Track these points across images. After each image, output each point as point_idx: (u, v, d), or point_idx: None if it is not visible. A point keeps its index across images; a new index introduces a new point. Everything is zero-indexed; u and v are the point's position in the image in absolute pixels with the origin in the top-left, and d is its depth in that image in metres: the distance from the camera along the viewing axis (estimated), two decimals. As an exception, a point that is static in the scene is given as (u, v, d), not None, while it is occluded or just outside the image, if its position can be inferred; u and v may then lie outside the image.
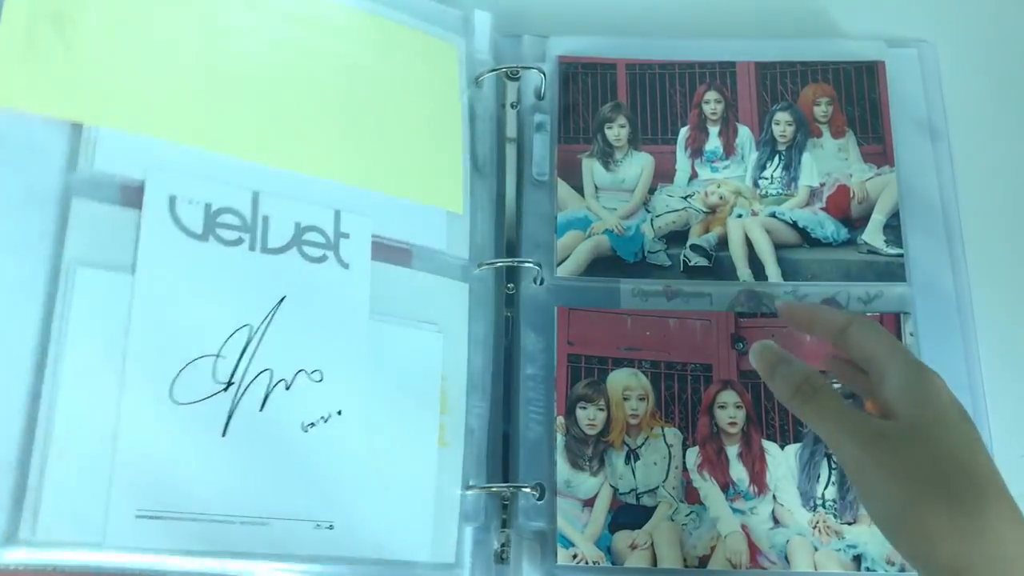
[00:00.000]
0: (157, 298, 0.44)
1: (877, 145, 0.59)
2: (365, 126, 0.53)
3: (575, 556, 0.51)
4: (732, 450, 0.53)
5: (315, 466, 0.46)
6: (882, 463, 0.40)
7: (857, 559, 0.51)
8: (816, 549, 0.51)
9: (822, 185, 0.58)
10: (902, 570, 0.50)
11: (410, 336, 0.51)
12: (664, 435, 0.53)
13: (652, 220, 0.57)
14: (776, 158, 0.59)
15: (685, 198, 0.58)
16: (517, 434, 0.53)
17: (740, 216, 0.58)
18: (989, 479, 0.39)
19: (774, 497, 0.52)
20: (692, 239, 0.57)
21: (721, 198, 0.58)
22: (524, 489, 0.52)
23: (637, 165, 0.59)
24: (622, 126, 0.60)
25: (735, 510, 0.52)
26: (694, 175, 0.59)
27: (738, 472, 0.52)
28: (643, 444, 0.53)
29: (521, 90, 0.60)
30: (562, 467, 0.52)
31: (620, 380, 0.54)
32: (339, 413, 0.47)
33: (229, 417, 0.45)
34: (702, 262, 0.57)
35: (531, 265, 0.56)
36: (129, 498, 0.41)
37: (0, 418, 0.40)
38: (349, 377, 0.48)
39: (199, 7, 0.50)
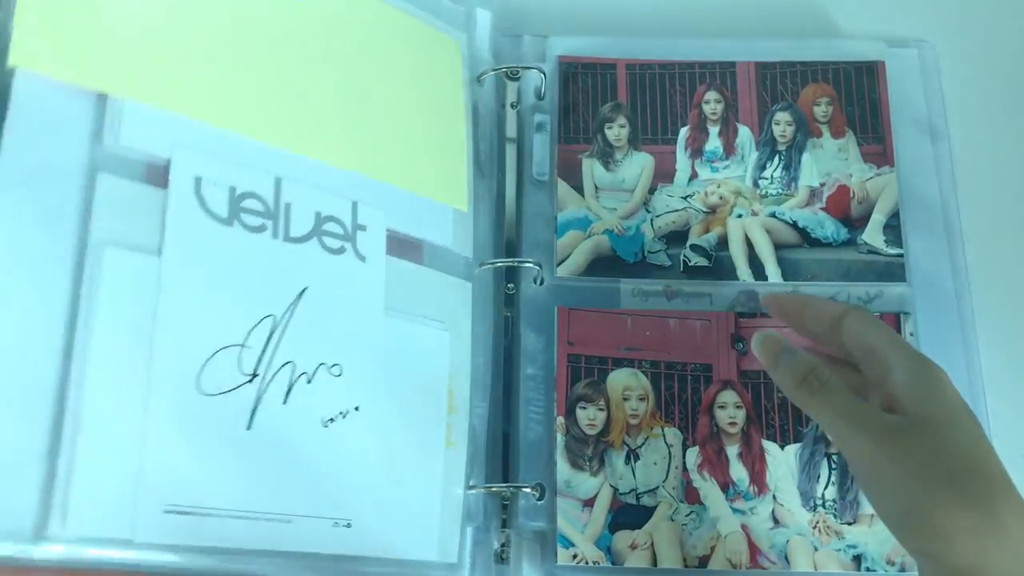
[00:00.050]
0: (184, 283, 0.42)
1: (877, 145, 0.59)
2: (378, 115, 0.52)
3: (575, 556, 0.51)
4: (732, 450, 0.53)
5: (334, 462, 0.46)
6: (893, 459, 0.39)
7: (857, 559, 0.51)
8: (816, 549, 0.51)
9: (822, 185, 0.58)
10: (902, 570, 0.50)
11: (421, 333, 0.50)
12: (664, 435, 0.53)
13: (652, 220, 0.57)
14: (776, 158, 0.59)
15: (685, 198, 0.58)
16: (517, 434, 0.53)
17: (740, 216, 0.58)
18: (1000, 476, 0.39)
19: (774, 497, 0.52)
20: (692, 239, 0.57)
21: (721, 198, 0.58)
22: (524, 489, 0.52)
23: (637, 165, 0.59)
24: (622, 126, 0.60)
25: (735, 510, 0.52)
26: (694, 175, 0.59)
27: (738, 472, 0.52)
28: (643, 444, 0.53)
29: (521, 90, 0.60)
30: (562, 467, 0.52)
31: (620, 380, 0.54)
32: (356, 409, 0.47)
33: (254, 410, 0.43)
34: (702, 262, 0.57)
35: (531, 265, 0.56)
36: (157, 493, 0.40)
37: (28, 406, 0.38)
38: (366, 372, 0.47)
39: None
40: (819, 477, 0.52)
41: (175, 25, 0.46)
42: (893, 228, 0.57)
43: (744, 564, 0.51)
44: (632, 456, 0.53)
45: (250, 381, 0.43)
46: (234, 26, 0.48)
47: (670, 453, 0.53)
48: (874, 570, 0.50)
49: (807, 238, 0.57)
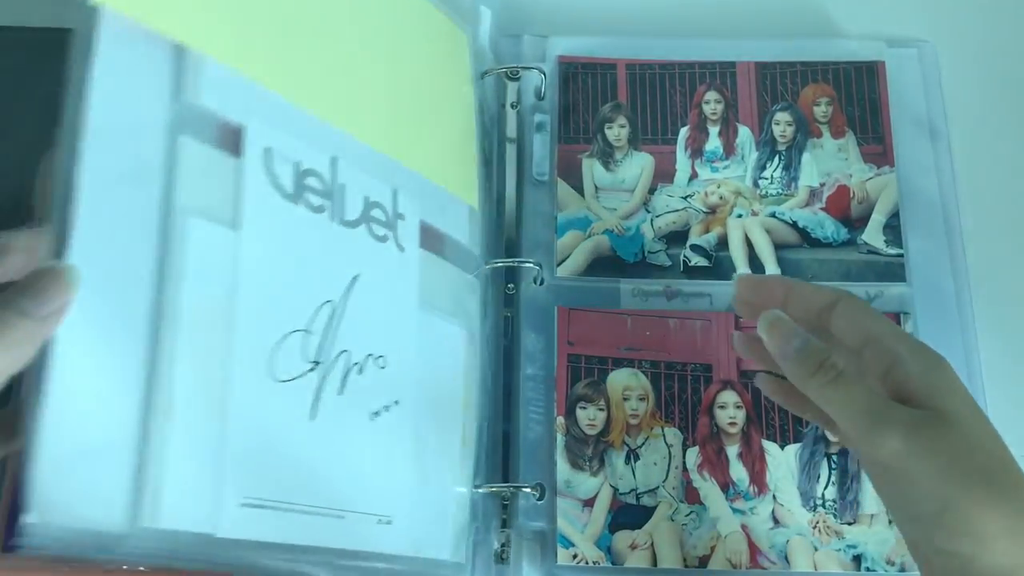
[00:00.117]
0: (261, 261, 0.39)
1: (877, 145, 0.59)
2: (408, 101, 0.51)
3: (575, 556, 0.51)
4: (732, 450, 0.53)
5: (379, 456, 0.44)
6: (922, 455, 0.37)
7: (857, 559, 0.51)
8: (816, 549, 0.51)
9: (822, 185, 0.58)
10: (902, 570, 0.50)
11: (445, 330, 0.50)
12: (664, 435, 0.53)
13: (652, 220, 0.57)
14: (776, 158, 0.59)
15: (685, 198, 0.58)
16: (517, 434, 0.53)
17: (740, 216, 0.58)
18: (1020, 473, 0.37)
19: (774, 497, 0.52)
20: (692, 239, 0.57)
21: (721, 198, 0.58)
22: (524, 489, 0.52)
23: (637, 165, 0.59)
24: (622, 126, 0.60)
25: (735, 510, 0.52)
26: (694, 175, 0.59)
27: (738, 472, 0.52)
28: (643, 444, 0.53)
29: (521, 90, 0.60)
30: (562, 467, 0.52)
31: (620, 380, 0.54)
32: (396, 403, 0.45)
33: (316, 399, 0.41)
34: (702, 262, 0.57)
35: (531, 265, 0.56)
36: (237, 485, 0.37)
37: (119, 387, 0.34)
38: (404, 367, 0.46)
39: None
40: (819, 477, 0.52)
41: None
42: (893, 228, 0.57)
43: (744, 564, 0.51)
44: (632, 456, 0.53)
45: (313, 369, 0.41)
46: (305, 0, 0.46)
47: (670, 453, 0.53)
48: (874, 570, 0.50)
49: (807, 238, 0.57)
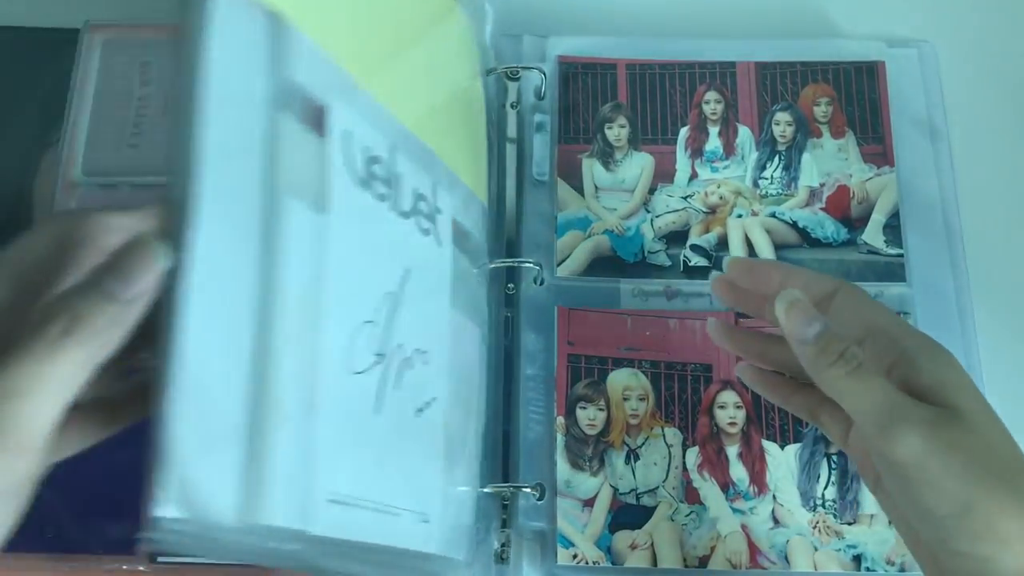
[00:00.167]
0: (342, 246, 0.37)
1: (877, 145, 0.59)
2: (441, 93, 0.49)
3: (575, 556, 0.51)
4: (732, 450, 0.53)
5: (420, 453, 0.44)
6: (940, 455, 0.35)
7: (857, 559, 0.51)
8: (816, 549, 0.51)
9: (822, 185, 0.58)
10: (902, 570, 0.50)
11: (468, 326, 0.49)
12: (664, 435, 0.53)
13: (652, 220, 0.57)
14: (776, 158, 0.59)
15: (685, 198, 0.58)
16: (517, 434, 0.53)
17: (740, 216, 0.58)
18: None
19: (774, 497, 0.52)
20: (692, 239, 0.57)
21: (721, 198, 0.58)
22: (524, 489, 0.52)
23: (637, 165, 0.59)
24: (622, 126, 0.60)
25: (735, 510, 0.52)
26: (694, 175, 0.59)
27: (738, 472, 0.52)
28: (643, 444, 0.53)
29: (521, 90, 0.60)
30: (562, 467, 0.52)
31: (620, 380, 0.54)
32: (435, 399, 0.45)
33: (379, 392, 0.40)
34: (702, 262, 0.57)
35: (531, 265, 0.56)
36: (324, 481, 0.36)
37: (233, 376, 0.32)
38: (441, 363, 0.46)
39: None
40: (819, 477, 0.52)
41: None
42: (893, 228, 0.57)
43: (744, 564, 0.51)
44: (632, 456, 0.53)
45: (379, 362, 0.40)
46: None
47: (670, 453, 0.53)
48: (874, 570, 0.50)
49: (807, 238, 0.57)
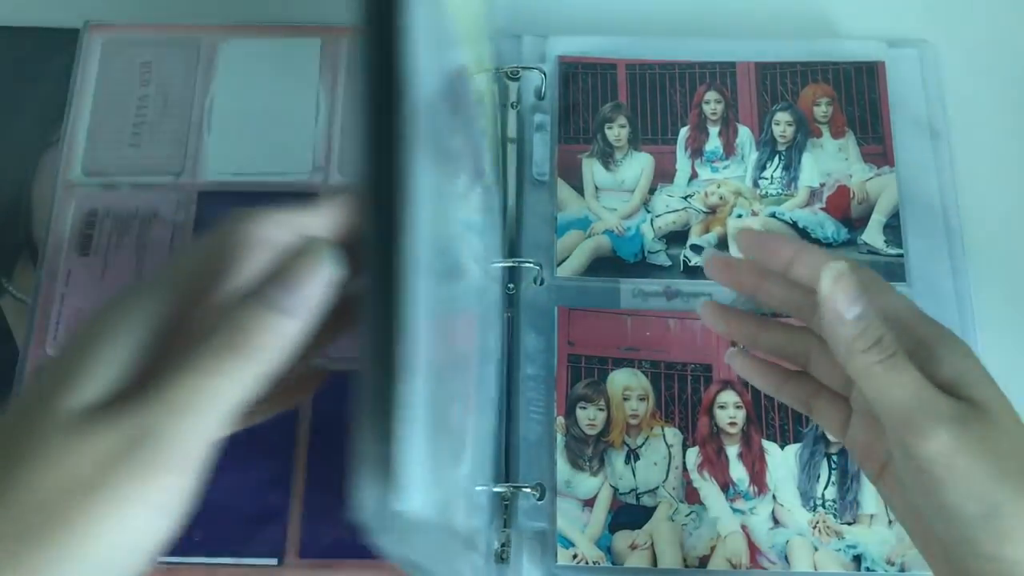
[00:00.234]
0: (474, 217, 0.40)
1: (877, 145, 0.59)
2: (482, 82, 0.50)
3: (575, 556, 0.51)
4: (732, 450, 0.53)
5: (481, 442, 0.44)
6: (969, 453, 0.34)
7: (857, 559, 0.51)
8: (816, 549, 0.51)
9: (822, 185, 0.58)
10: (902, 570, 0.50)
11: (497, 322, 0.50)
12: (664, 435, 0.53)
13: (652, 220, 0.57)
14: (776, 158, 0.59)
15: (685, 198, 0.58)
16: (517, 434, 0.53)
17: (740, 216, 0.58)
18: None
19: (774, 497, 0.52)
20: (692, 239, 0.57)
21: (721, 198, 0.58)
22: (524, 489, 0.52)
23: (637, 165, 0.59)
24: (622, 126, 0.60)
25: (735, 510, 0.52)
26: (694, 175, 0.59)
27: (738, 472, 0.52)
28: (643, 444, 0.53)
29: (521, 90, 0.60)
30: (562, 467, 0.52)
31: (620, 380, 0.54)
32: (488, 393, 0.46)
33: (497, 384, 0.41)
34: (702, 262, 0.57)
35: (531, 265, 0.56)
36: (471, 478, 0.36)
37: (438, 363, 0.31)
38: (491, 353, 0.46)
39: None
40: (819, 477, 0.52)
41: None
42: (893, 228, 0.57)
43: (744, 564, 0.51)
44: (632, 456, 0.53)
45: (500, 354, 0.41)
46: None
47: (670, 453, 0.53)
48: (874, 570, 0.50)
49: (807, 238, 0.57)
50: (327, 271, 0.28)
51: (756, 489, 0.52)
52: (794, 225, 0.57)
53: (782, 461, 0.53)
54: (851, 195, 0.58)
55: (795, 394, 0.44)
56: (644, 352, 0.55)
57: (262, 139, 0.59)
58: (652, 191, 0.58)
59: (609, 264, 0.56)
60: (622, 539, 0.51)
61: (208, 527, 0.48)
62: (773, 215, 0.57)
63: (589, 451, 0.53)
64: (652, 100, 0.60)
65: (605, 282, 0.56)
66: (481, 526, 0.47)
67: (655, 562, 0.51)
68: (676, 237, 0.57)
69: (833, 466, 0.52)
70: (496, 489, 0.52)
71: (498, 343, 0.47)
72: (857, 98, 0.60)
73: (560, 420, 0.53)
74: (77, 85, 0.59)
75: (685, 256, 0.57)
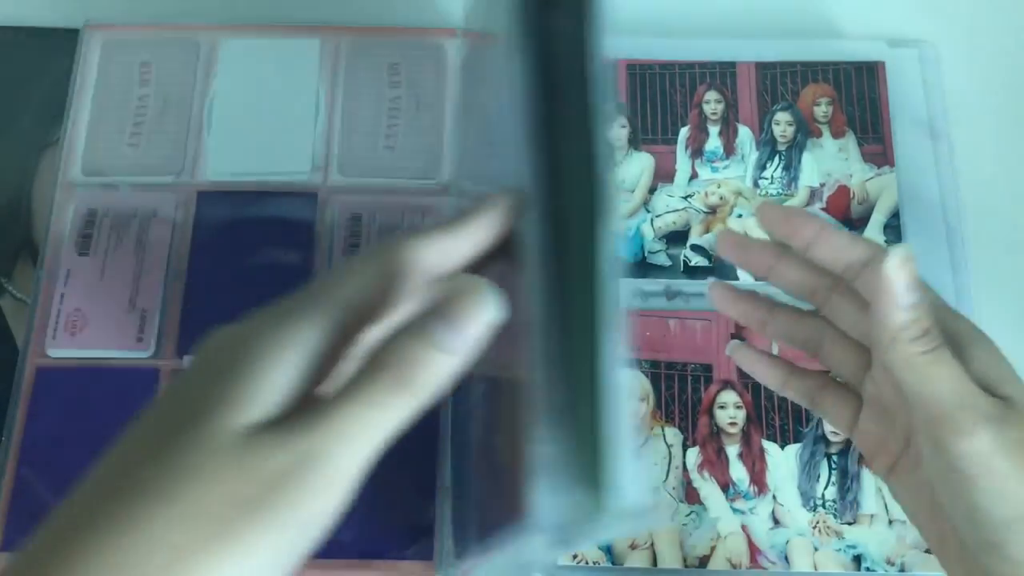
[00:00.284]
0: None
1: (877, 145, 0.59)
2: None
3: (575, 556, 0.51)
4: (732, 450, 0.53)
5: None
6: (1009, 454, 0.33)
7: (857, 559, 0.51)
8: (816, 549, 0.51)
9: (822, 185, 0.58)
10: (902, 570, 0.50)
11: None
12: (664, 435, 0.53)
13: (652, 220, 0.57)
14: (776, 158, 0.59)
15: (685, 198, 0.58)
16: (517, 434, 0.53)
17: (740, 216, 0.58)
18: None
19: (774, 497, 0.52)
20: (692, 239, 0.57)
21: (721, 198, 0.58)
22: (524, 489, 0.52)
23: (637, 165, 0.59)
24: (622, 126, 0.60)
25: (735, 510, 0.52)
26: (694, 175, 0.59)
27: (738, 472, 0.52)
28: (643, 444, 0.53)
29: (521, 90, 0.60)
30: (562, 467, 0.52)
31: (620, 380, 0.54)
32: None
33: None
34: (702, 262, 0.57)
35: (531, 265, 0.56)
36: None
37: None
38: None
39: None
40: (819, 477, 0.52)
41: None
42: (893, 228, 0.57)
43: (744, 564, 0.51)
44: (632, 456, 0.53)
45: None
46: None
47: (670, 453, 0.53)
48: (874, 570, 0.50)
49: (807, 238, 0.57)
50: (491, 313, 0.28)
51: (756, 489, 0.52)
52: (794, 225, 0.57)
53: (782, 461, 0.53)
54: (851, 195, 0.58)
55: (800, 388, 0.43)
56: (644, 352, 0.55)
57: (262, 139, 0.59)
58: (652, 191, 0.58)
59: (609, 264, 0.56)
60: (622, 539, 0.51)
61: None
62: (773, 215, 0.57)
63: (589, 451, 0.52)
64: (652, 100, 0.60)
65: (605, 282, 0.56)
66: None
67: (655, 562, 0.51)
68: (676, 237, 0.57)
69: (833, 466, 0.52)
70: (496, 489, 0.52)
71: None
72: (857, 98, 0.60)
73: (560, 420, 0.53)
74: (77, 85, 0.59)
75: (685, 256, 0.57)
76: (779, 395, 0.52)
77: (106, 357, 0.53)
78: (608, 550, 0.51)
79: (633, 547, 0.51)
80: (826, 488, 0.52)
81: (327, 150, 0.58)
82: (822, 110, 0.60)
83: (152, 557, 0.24)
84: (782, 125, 0.60)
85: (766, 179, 0.58)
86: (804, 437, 0.53)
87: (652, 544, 0.51)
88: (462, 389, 0.37)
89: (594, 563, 0.50)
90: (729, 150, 0.59)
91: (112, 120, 0.59)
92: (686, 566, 0.50)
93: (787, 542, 0.51)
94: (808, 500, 0.52)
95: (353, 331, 0.29)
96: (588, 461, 0.26)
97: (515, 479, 0.28)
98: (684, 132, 0.60)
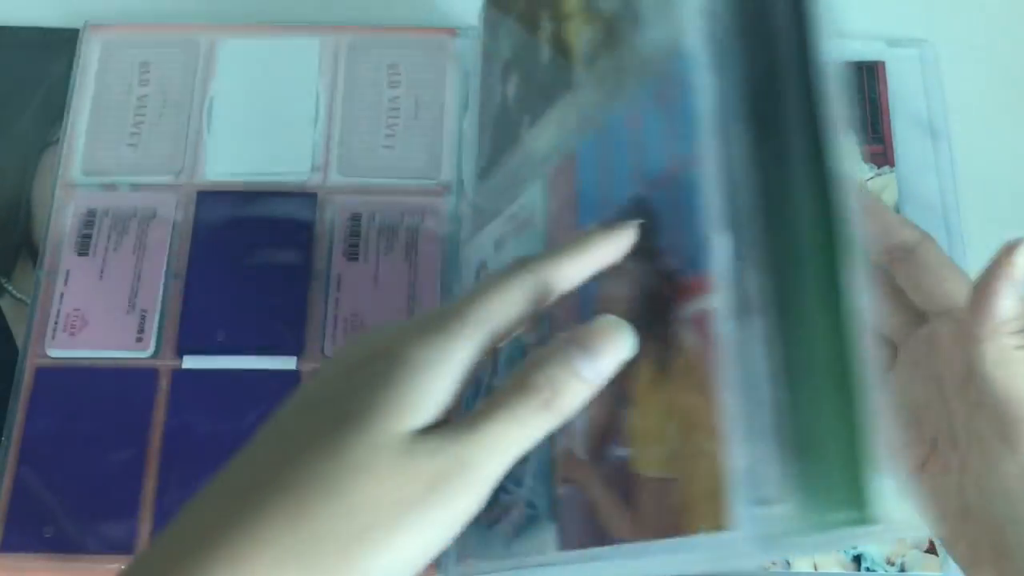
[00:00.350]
0: None
1: (877, 145, 0.59)
2: None
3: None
4: (732, 450, 0.53)
5: None
6: None
7: (857, 559, 0.51)
8: (816, 549, 0.51)
9: (822, 185, 0.58)
10: (902, 570, 0.50)
11: None
12: (664, 435, 0.53)
13: (652, 220, 0.57)
14: (776, 158, 0.59)
15: (685, 198, 0.58)
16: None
17: (740, 216, 0.57)
18: None
19: (774, 497, 0.52)
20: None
21: (721, 198, 0.58)
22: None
23: (637, 165, 0.59)
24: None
25: (735, 510, 0.51)
26: (694, 175, 0.59)
27: (738, 472, 0.52)
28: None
29: (521, 90, 0.60)
30: (562, 467, 0.52)
31: (620, 380, 0.54)
32: None
33: None
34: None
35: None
36: None
37: None
38: None
39: None
40: (819, 477, 0.52)
41: None
42: (893, 228, 0.57)
43: (744, 564, 0.50)
44: (632, 456, 0.52)
45: None
46: None
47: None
48: (874, 570, 0.50)
49: (807, 238, 0.57)
50: (628, 351, 0.29)
51: (756, 489, 0.52)
52: (794, 225, 0.57)
53: (782, 461, 0.52)
54: (851, 195, 0.58)
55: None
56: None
57: (261, 139, 0.59)
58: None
59: (609, 264, 0.56)
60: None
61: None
62: (773, 215, 0.57)
63: (589, 451, 0.52)
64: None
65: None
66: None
67: (655, 562, 0.50)
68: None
69: (833, 466, 0.52)
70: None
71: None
72: (857, 98, 0.60)
73: (560, 420, 0.53)
74: (77, 85, 0.59)
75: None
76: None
77: (106, 357, 0.53)
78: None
79: (633, 547, 0.51)
80: (826, 488, 0.52)
81: (327, 150, 0.58)
82: (822, 110, 0.60)
83: (323, 545, 0.26)
84: (782, 125, 0.59)
85: (766, 179, 0.58)
86: (804, 437, 0.53)
87: (652, 544, 0.51)
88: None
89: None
90: (729, 150, 0.59)
91: (112, 120, 0.59)
92: (686, 566, 0.50)
93: (787, 542, 0.51)
94: (808, 500, 0.52)
95: (492, 348, 0.31)
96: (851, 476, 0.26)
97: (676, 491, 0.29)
98: (684, 132, 0.59)
